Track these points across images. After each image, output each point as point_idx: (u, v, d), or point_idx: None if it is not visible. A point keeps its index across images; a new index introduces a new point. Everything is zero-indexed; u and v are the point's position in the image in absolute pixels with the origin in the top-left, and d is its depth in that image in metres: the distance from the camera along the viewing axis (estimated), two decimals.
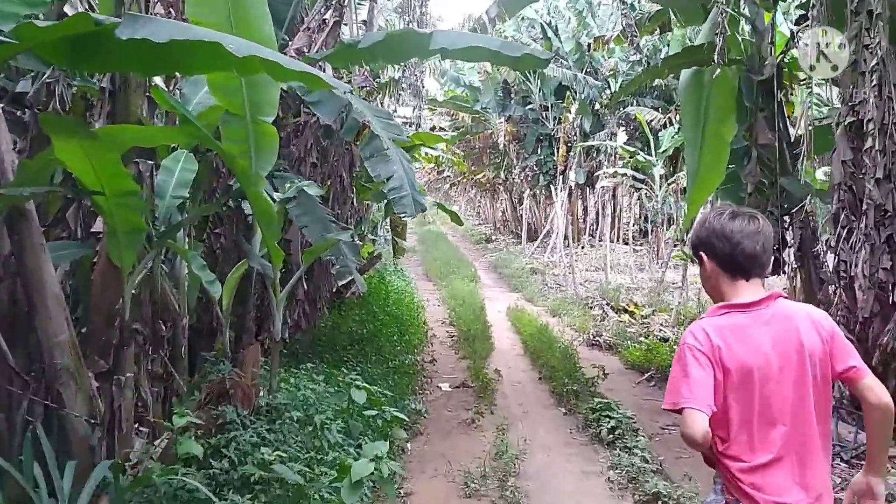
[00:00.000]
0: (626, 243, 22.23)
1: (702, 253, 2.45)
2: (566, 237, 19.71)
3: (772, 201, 8.59)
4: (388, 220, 14.79)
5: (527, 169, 24.45)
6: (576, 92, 22.60)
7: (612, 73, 21.42)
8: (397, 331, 9.42)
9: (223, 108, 4.87)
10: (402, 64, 16.09)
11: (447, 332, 12.06)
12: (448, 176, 29.82)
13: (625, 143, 20.93)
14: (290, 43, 7.54)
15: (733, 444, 2.31)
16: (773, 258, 8.72)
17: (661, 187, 20.00)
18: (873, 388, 2.28)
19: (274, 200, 5.64)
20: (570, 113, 22.51)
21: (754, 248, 2.37)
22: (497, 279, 19.65)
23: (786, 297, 2.41)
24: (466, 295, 14.95)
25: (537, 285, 17.55)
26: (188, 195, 5.57)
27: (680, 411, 2.23)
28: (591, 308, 14.02)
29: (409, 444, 6.15)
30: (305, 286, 8.18)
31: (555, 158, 23.50)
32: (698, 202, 8.86)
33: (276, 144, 5.02)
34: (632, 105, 21.91)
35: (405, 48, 7.25)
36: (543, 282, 18.07)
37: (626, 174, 19.59)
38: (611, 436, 6.29)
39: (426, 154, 13.44)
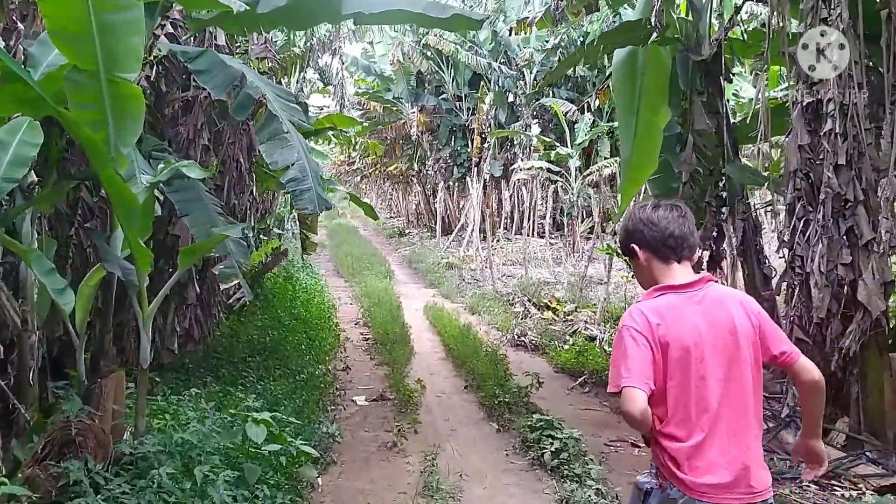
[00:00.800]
0: (542, 237, 21.62)
1: (633, 245, 2.51)
2: (482, 231, 18.92)
3: (709, 191, 7.94)
4: (293, 213, 13.59)
5: (440, 161, 23.54)
6: (490, 82, 21.82)
7: (526, 63, 20.71)
8: (305, 337, 8.29)
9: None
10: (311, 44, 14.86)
11: (361, 334, 10.98)
12: (359, 168, 28.58)
13: (539, 135, 20.29)
14: None
15: (670, 422, 2.33)
16: (709, 252, 8.25)
17: (576, 180, 19.48)
18: (806, 369, 2.40)
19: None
20: (484, 104, 21.69)
21: (682, 230, 2.46)
22: (412, 274, 18.66)
23: (716, 281, 2.49)
24: (381, 292, 13.89)
25: (454, 281, 16.66)
26: (34, 178, 4.33)
27: (621, 392, 2.25)
28: (511, 304, 13.22)
29: (319, 479, 5.07)
30: (198, 289, 6.97)
31: (469, 150, 22.67)
32: (631, 192, 8.09)
33: (141, 111, 3.86)
34: (547, 96, 21.33)
35: (313, 12, 6.17)
36: (460, 277, 17.20)
37: (542, 167, 18.93)
38: (555, 460, 5.39)
39: (337, 138, 12.26)
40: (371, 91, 23.30)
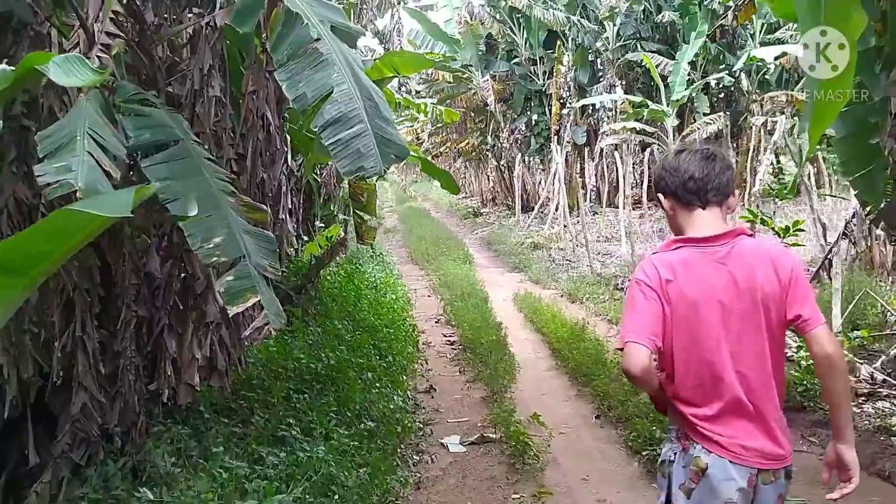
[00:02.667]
0: (636, 208, 18.88)
1: (659, 194, 2.33)
2: (569, 206, 16.40)
3: None
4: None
5: (516, 132, 21.04)
6: (567, 39, 19.17)
7: (609, 14, 17.95)
8: (375, 352, 6.07)
9: None
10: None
11: (444, 336, 8.74)
12: (427, 149, 26.30)
13: (626, 96, 17.56)
14: None
15: (683, 387, 2.17)
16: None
17: (675, 141, 16.70)
18: (819, 340, 2.12)
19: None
20: (562, 65, 19.06)
21: (703, 172, 2.22)
22: (493, 258, 16.33)
23: (749, 235, 2.25)
24: (462, 281, 11.64)
25: (543, 263, 14.27)
26: None
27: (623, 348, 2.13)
28: (619, 289, 10.76)
29: None
30: (221, 301, 4.83)
31: (548, 118, 20.10)
32: (818, 131, 5.51)
33: None
34: (633, 50, 18.54)
35: None
36: (549, 258, 14.78)
37: (634, 128, 16.25)
38: None
39: (410, 105, 9.98)
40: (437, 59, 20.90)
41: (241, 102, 4.88)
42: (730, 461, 2.10)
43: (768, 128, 17.22)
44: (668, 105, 16.56)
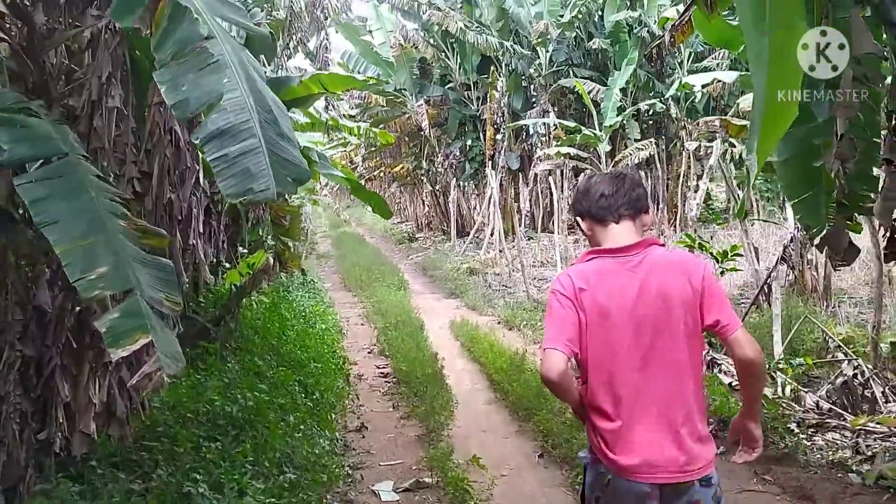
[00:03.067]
0: (569, 233, 18.80)
1: (577, 218, 2.41)
2: (504, 231, 16.17)
3: (886, 143, 5.22)
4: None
5: (451, 157, 20.79)
6: (501, 64, 19.10)
7: (541, 40, 17.95)
8: (301, 389, 5.53)
9: None
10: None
11: (378, 367, 8.24)
12: (361, 173, 25.83)
13: (560, 121, 17.53)
14: None
15: (595, 392, 2.19)
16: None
17: (608, 166, 16.73)
18: (739, 344, 2.17)
19: None
20: (496, 90, 18.96)
21: (613, 189, 2.31)
22: (428, 283, 15.92)
23: (661, 245, 2.31)
24: (396, 308, 11.18)
25: (479, 289, 13.94)
26: None
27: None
28: None
29: None
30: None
31: (482, 143, 19.94)
32: (767, 149, 5.31)
33: None
34: (565, 76, 18.60)
35: None
36: (485, 283, 14.48)
37: (567, 154, 16.18)
38: None
39: (336, 126, 9.53)
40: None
41: (146, 115, 4.37)
42: (630, 481, 2.13)
43: (700, 153, 17.49)
44: (600, 130, 16.60)
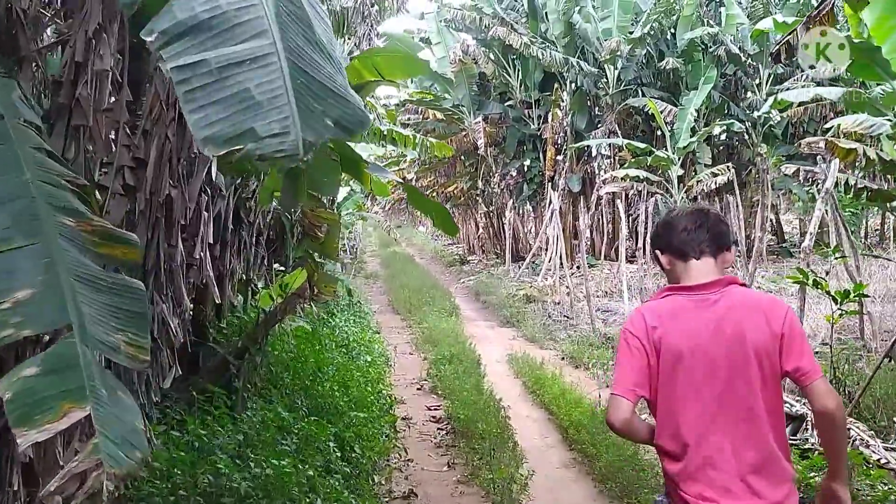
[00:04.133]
0: (631, 261, 17.35)
1: (657, 251, 2.30)
2: (563, 256, 14.83)
3: None
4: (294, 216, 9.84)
5: (507, 177, 19.60)
6: (566, 82, 17.89)
7: (610, 57, 16.69)
8: (336, 446, 4.31)
9: None
10: None
11: (428, 408, 7.05)
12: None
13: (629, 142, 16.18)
14: None
15: (662, 434, 2.10)
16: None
17: (679, 191, 15.32)
18: (818, 394, 2.04)
19: None
20: (559, 109, 17.76)
21: (696, 223, 2.22)
22: (481, 309, 14.68)
23: (742, 284, 2.21)
24: (448, 336, 9.99)
25: (538, 318, 12.62)
26: None
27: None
28: None
29: None
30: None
31: (541, 163, 18.69)
32: None
33: None
34: (634, 96, 17.29)
35: None
36: (544, 312, 13.14)
37: (637, 177, 14.84)
38: None
39: (391, 138, 8.46)
40: (428, 99, 19.48)
41: (146, 85, 3.28)
42: None
43: (775, 181, 15.94)
44: (673, 153, 15.21)
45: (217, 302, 5.02)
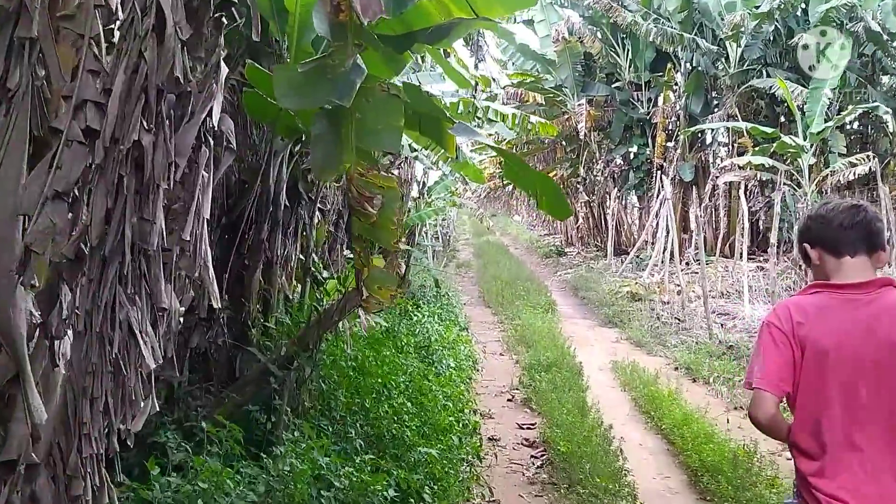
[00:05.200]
0: (750, 258, 15.42)
1: (806, 245, 2.16)
2: (672, 251, 13.21)
3: None
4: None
5: (612, 164, 17.99)
6: (679, 62, 16.11)
7: (733, 33, 14.79)
8: (399, 496, 3.17)
9: None
10: None
11: (519, 426, 5.87)
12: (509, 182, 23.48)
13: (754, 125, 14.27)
14: None
15: (800, 432, 1.99)
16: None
17: (810, 182, 13.35)
18: None
19: None
20: (672, 91, 16.02)
21: (852, 220, 2.06)
22: (579, 306, 13.30)
23: None
24: (544, 337, 8.76)
25: (644, 319, 11.15)
26: None
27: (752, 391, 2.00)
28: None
29: None
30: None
31: (650, 150, 17.00)
32: None
33: None
34: (758, 77, 15.33)
35: None
36: (651, 313, 11.63)
37: (763, 165, 13.00)
38: None
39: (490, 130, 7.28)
40: (529, 81, 18.07)
41: None
42: None
43: None
44: (805, 139, 13.24)
45: (265, 296, 4.02)
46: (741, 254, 12.56)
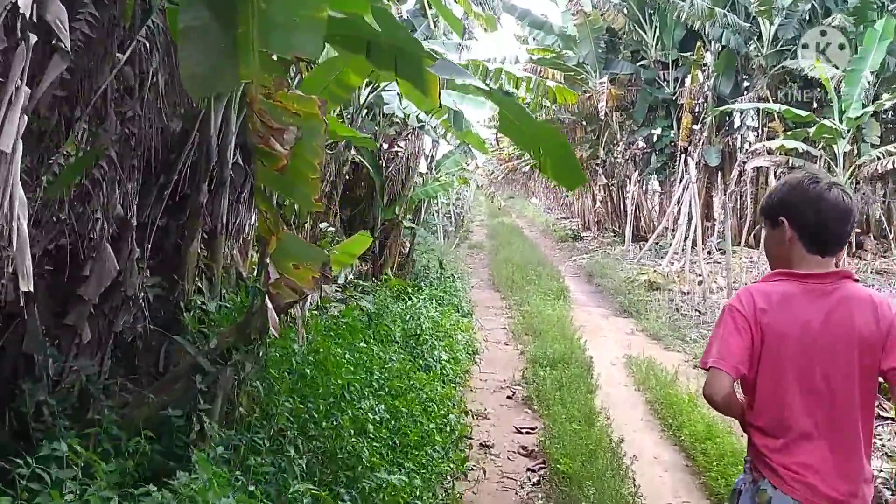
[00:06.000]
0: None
1: (783, 218, 2.03)
2: (695, 239, 12.28)
3: None
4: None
5: (634, 146, 17.01)
6: (709, 40, 15.06)
7: (765, 8, 13.72)
8: None
9: None
10: None
11: (517, 430, 5.09)
12: (524, 156, 22.47)
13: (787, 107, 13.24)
14: None
15: (761, 414, 2.00)
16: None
17: (844, 170, 12.35)
18: None
19: None
20: (700, 70, 15.00)
21: (842, 229, 2.01)
22: (594, 293, 12.44)
23: (854, 280, 2.05)
24: (553, 327, 7.97)
25: (662, 310, 10.28)
26: None
27: (708, 371, 2.00)
28: None
29: None
30: None
31: (675, 132, 16.00)
32: None
33: None
34: (791, 58, 14.26)
35: None
36: (669, 304, 10.76)
37: (796, 150, 12.02)
38: None
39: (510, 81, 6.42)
40: (548, 58, 17.09)
41: None
42: (792, 498, 1.91)
43: None
44: (843, 123, 12.21)
45: (207, 273, 3.26)
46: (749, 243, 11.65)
